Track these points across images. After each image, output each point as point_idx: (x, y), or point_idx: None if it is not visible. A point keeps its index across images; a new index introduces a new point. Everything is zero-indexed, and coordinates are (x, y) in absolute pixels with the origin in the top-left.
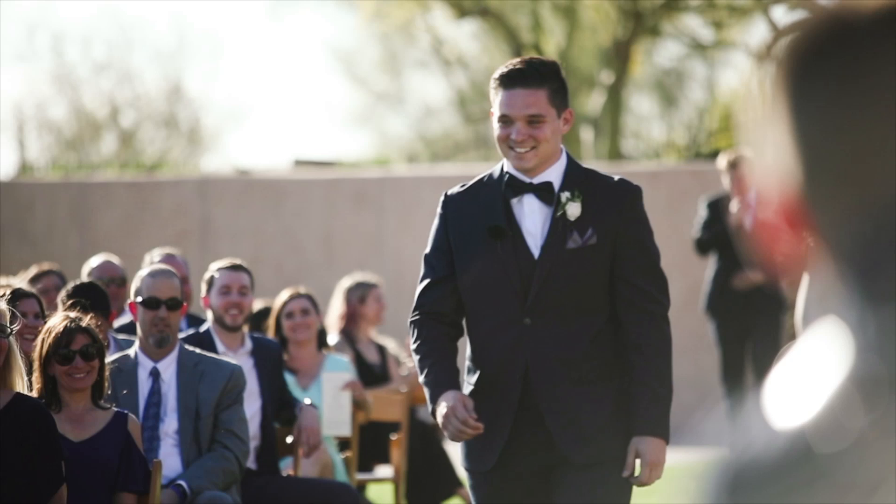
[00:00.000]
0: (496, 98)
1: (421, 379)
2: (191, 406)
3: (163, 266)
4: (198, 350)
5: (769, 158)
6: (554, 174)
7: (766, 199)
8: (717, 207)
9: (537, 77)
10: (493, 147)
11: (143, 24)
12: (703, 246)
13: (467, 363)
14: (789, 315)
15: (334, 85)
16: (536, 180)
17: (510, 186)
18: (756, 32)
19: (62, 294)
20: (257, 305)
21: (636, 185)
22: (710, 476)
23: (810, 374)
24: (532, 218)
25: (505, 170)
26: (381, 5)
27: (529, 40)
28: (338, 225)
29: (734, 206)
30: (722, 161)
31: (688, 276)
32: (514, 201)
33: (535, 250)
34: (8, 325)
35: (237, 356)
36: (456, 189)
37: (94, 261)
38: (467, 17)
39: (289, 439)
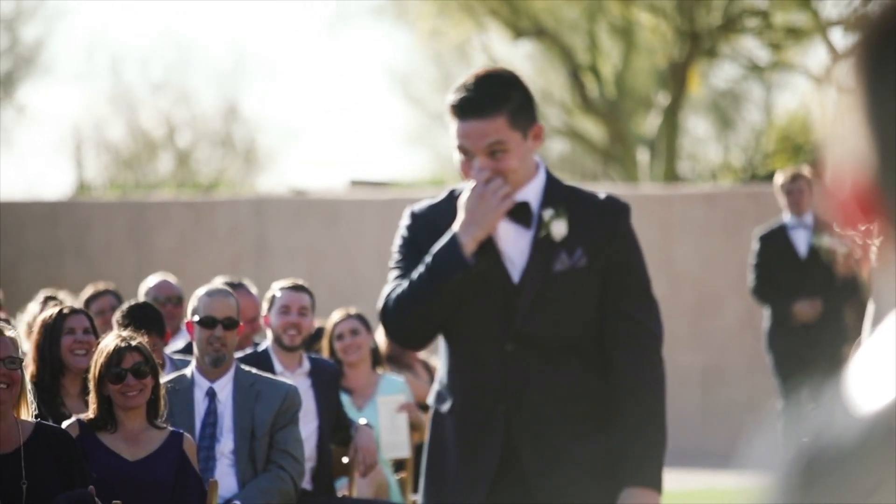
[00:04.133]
0: (451, 126)
1: (415, 278)
2: (246, 426)
3: (220, 285)
4: (254, 370)
5: (844, 147)
6: (531, 192)
7: (838, 187)
8: (772, 241)
9: (492, 103)
10: (549, 167)
11: (200, 45)
12: (759, 297)
13: (437, 388)
14: (850, 346)
15: (392, 105)
16: None
17: None
18: (814, 54)
19: (117, 315)
20: None
21: (625, 202)
22: (783, 463)
23: (891, 357)
24: (507, 241)
25: None
26: (437, 25)
27: (585, 61)
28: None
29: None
30: (779, 178)
31: (744, 299)
32: None
33: (515, 275)
34: (18, 354)
35: (295, 376)
36: (423, 204)
37: (151, 280)
38: (523, 38)
39: (344, 459)
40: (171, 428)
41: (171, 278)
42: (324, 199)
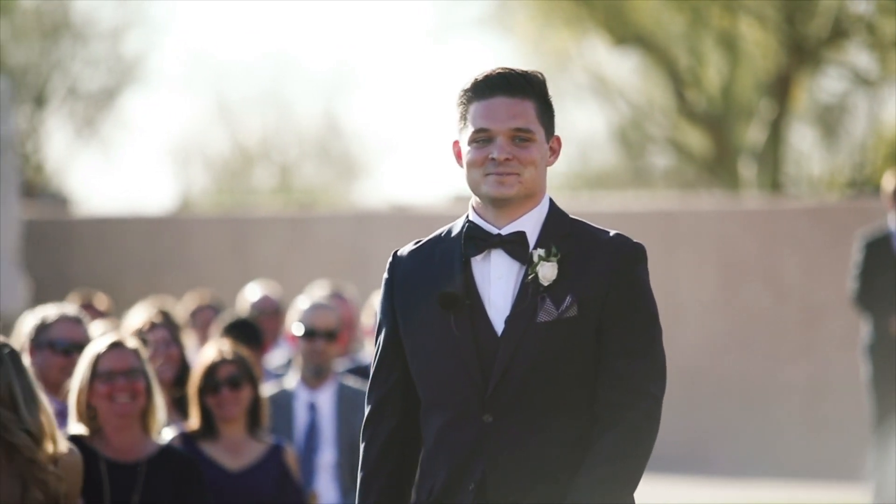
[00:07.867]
0: (468, 113)
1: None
2: (348, 438)
3: (320, 299)
4: (355, 383)
5: None
6: (530, 223)
7: None
8: (876, 249)
9: (524, 85)
10: (651, 180)
11: (301, 57)
12: (860, 305)
13: (420, 466)
14: None
15: None
16: (506, 230)
17: (472, 240)
18: None
19: (217, 329)
20: None
21: (637, 243)
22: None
23: None
24: (498, 284)
25: (469, 218)
26: (541, 34)
27: (689, 72)
28: None
29: None
30: (889, 183)
31: (848, 315)
32: (477, 260)
33: (499, 325)
34: (141, 366)
35: None
36: (408, 247)
37: (251, 293)
38: (625, 45)
39: None
40: (272, 439)
41: (272, 290)
42: (424, 216)
